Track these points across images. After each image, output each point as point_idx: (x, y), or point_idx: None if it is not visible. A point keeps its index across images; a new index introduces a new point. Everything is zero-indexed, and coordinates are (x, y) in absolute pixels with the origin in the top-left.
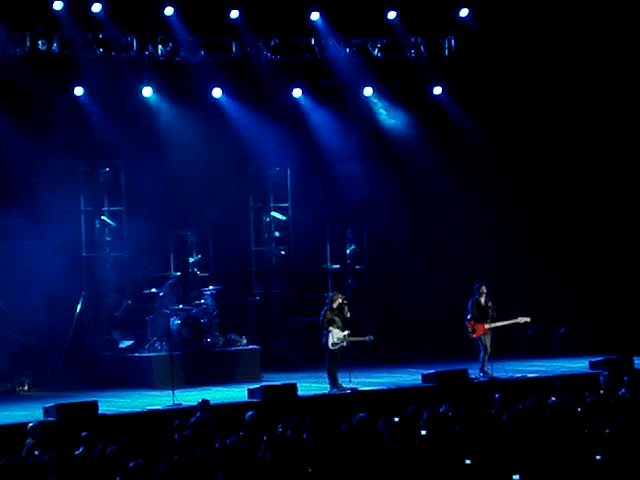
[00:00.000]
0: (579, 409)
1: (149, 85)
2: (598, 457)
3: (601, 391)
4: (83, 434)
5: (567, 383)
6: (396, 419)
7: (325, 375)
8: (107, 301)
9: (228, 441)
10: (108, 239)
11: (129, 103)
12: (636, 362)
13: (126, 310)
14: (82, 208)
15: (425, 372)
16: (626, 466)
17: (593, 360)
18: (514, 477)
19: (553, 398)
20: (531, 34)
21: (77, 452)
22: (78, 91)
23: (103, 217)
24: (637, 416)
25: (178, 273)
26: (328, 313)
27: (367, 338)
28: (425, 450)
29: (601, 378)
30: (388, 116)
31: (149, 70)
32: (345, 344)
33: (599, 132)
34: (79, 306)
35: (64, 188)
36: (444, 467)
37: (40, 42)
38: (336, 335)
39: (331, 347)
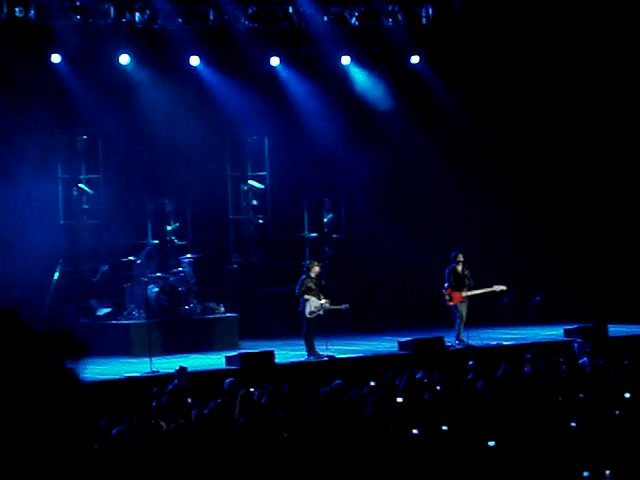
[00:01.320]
0: (553, 376)
1: (127, 52)
2: (573, 424)
3: (573, 357)
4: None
5: (541, 351)
6: (372, 383)
7: (302, 343)
8: (85, 269)
9: (206, 410)
10: (85, 207)
11: (106, 70)
12: (610, 330)
13: (103, 277)
14: (59, 176)
15: (402, 340)
16: (600, 432)
17: (568, 328)
18: (490, 443)
19: (528, 366)
20: (509, 1)
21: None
22: (55, 58)
23: (80, 185)
24: (610, 383)
25: (156, 241)
26: (306, 282)
27: (343, 307)
28: (401, 417)
29: (575, 345)
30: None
31: (127, 37)
32: (322, 312)
33: (577, 102)
34: (57, 274)
35: (41, 156)
36: (420, 434)
37: (17, 9)
38: (313, 304)
39: (308, 315)
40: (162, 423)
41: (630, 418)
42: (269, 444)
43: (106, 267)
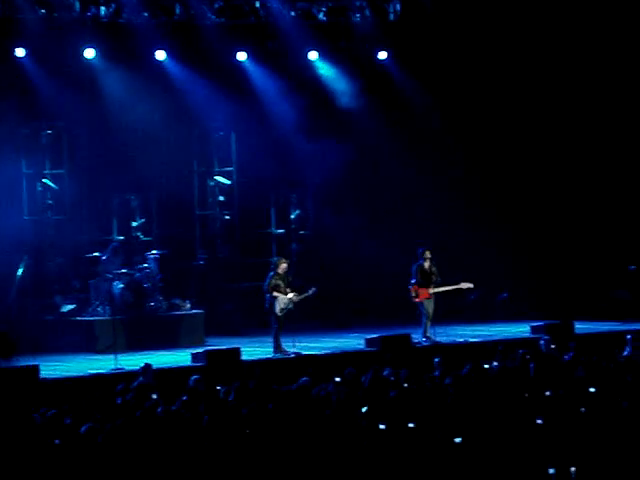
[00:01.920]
0: (519, 373)
1: (92, 46)
2: (539, 421)
3: (540, 354)
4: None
5: (508, 348)
6: (337, 379)
7: (269, 339)
8: (49, 265)
9: (173, 407)
10: (50, 202)
11: (71, 65)
12: (576, 327)
13: (67, 272)
14: (24, 171)
15: (369, 336)
16: (566, 429)
17: (534, 325)
18: (456, 440)
19: (495, 363)
20: None
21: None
22: (20, 52)
23: (45, 180)
24: (577, 379)
25: (121, 237)
26: (273, 278)
27: (310, 292)
28: (367, 414)
29: (541, 342)
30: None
31: (92, 31)
32: (292, 307)
33: (544, 97)
34: (20, 270)
35: (5, 151)
36: (386, 431)
37: None
38: (282, 301)
39: (279, 313)
40: None
41: (596, 415)
42: (234, 441)
43: (61, 260)
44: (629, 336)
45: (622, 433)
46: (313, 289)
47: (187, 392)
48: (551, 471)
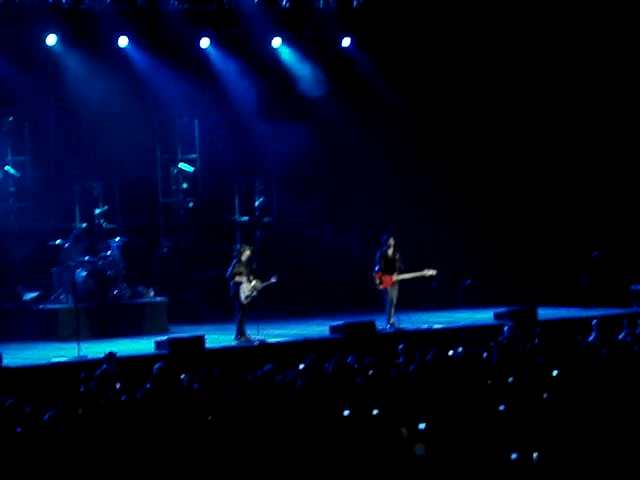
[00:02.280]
0: (483, 360)
1: (53, 33)
2: (501, 407)
3: (503, 340)
4: None
5: (472, 334)
6: (301, 366)
7: (233, 327)
8: (11, 252)
9: (137, 395)
10: (12, 190)
11: (33, 51)
12: (540, 313)
13: (29, 260)
14: None
15: (333, 324)
16: (528, 415)
17: (498, 311)
18: (420, 426)
19: (461, 349)
20: None
21: None
22: None
23: (6, 167)
24: (538, 365)
25: (84, 224)
26: (237, 266)
27: (272, 279)
28: (331, 400)
29: (505, 329)
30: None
31: (53, 17)
32: (256, 294)
33: (511, 81)
34: None
35: None
36: (350, 417)
37: None
38: (246, 288)
39: (244, 301)
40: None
41: (558, 400)
42: (198, 429)
43: (25, 248)
44: (594, 321)
45: (584, 419)
46: (275, 276)
47: (151, 380)
48: (513, 456)
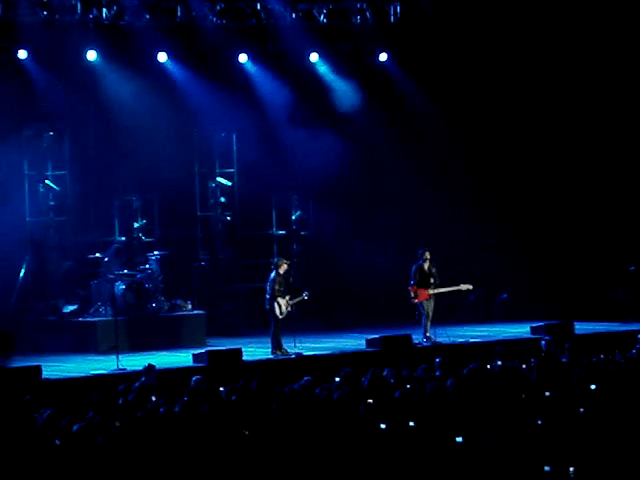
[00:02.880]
0: (521, 374)
1: (94, 49)
2: (539, 421)
3: (542, 355)
4: (26, 398)
5: (509, 348)
6: (337, 379)
7: (270, 340)
8: (51, 266)
9: (175, 408)
10: (52, 203)
11: (73, 67)
12: (576, 327)
13: (69, 273)
14: (26, 172)
15: (369, 337)
16: (566, 429)
17: (534, 325)
18: (457, 439)
19: (499, 363)
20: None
21: (19, 417)
22: (22, 54)
23: (47, 181)
24: (576, 380)
25: (123, 238)
26: (276, 283)
27: (304, 295)
28: (368, 414)
29: (542, 343)
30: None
31: (94, 33)
32: (291, 309)
33: (545, 100)
34: (22, 271)
35: (8, 152)
36: (387, 430)
37: None
38: (283, 304)
39: (280, 316)
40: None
41: (595, 415)
42: (236, 442)
43: (69, 263)
44: None
45: (621, 433)
46: (306, 292)
47: (188, 393)
48: (547, 468)
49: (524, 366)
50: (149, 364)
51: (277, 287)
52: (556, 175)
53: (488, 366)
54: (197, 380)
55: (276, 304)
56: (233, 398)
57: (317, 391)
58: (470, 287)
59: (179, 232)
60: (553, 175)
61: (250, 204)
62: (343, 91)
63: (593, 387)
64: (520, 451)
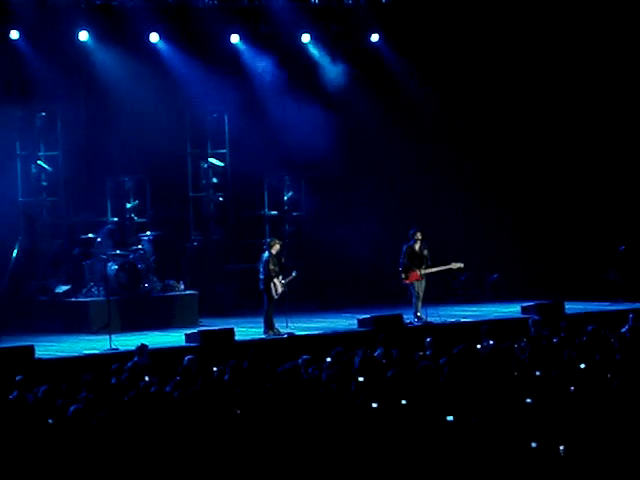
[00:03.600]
0: (510, 353)
1: (85, 29)
2: (528, 400)
3: (530, 334)
4: (18, 378)
5: (498, 328)
6: (328, 359)
7: (262, 320)
8: (43, 246)
9: (167, 387)
10: (44, 184)
11: (66, 47)
12: (567, 307)
13: (59, 252)
14: (18, 153)
15: (361, 317)
16: (555, 409)
17: (525, 305)
18: (448, 418)
19: (489, 342)
20: None
21: (11, 396)
22: (14, 35)
23: (39, 162)
24: (567, 359)
25: (115, 219)
26: (270, 263)
27: (293, 274)
28: (360, 392)
29: (530, 322)
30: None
31: (86, 14)
32: (285, 289)
33: (536, 76)
34: (15, 251)
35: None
36: (379, 408)
37: None
38: (278, 284)
39: (275, 296)
40: None
41: (585, 394)
42: (228, 421)
43: (60, 241)
44: (631, 315)
45: (611, 412)
46: (294, 271)
47: (181, 372)
48: (533, 445)
49: (516, 345)
50: (142, 344)
51: (272, 267)
52: (548, 155)
53: (478, 346)
54: (189, 360)
55: (272, 284)
56: (225, 377)
57: (309, 370)
58: (461, 265)
59: (171, 213)
60: (545, 156)
61: (242, 185)
62: (334, 71)
63: (582, 366)
64: (509, 429)
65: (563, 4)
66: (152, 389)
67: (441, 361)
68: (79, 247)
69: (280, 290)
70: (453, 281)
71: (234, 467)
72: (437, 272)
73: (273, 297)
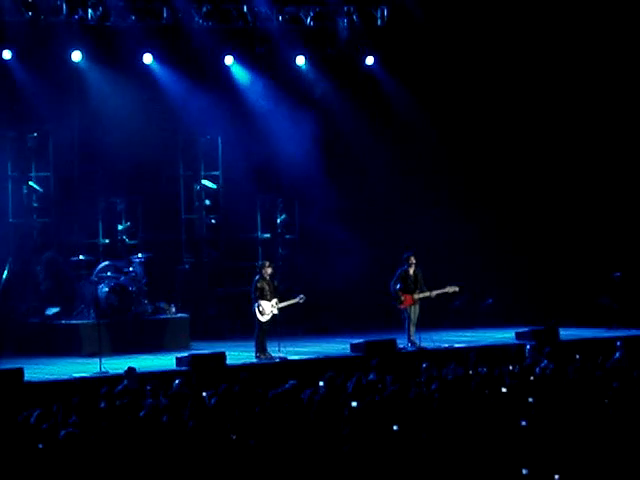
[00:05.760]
0: (504, 379)
1: (79, 49)
2: (523, 423)
3: (526, 360)
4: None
5: (492, 353)
6: (321, 383)
7: (254, 344)
8: (34, 268)
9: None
10: (35, 205)
11: (58, 67)
12: (561, 333)
13: (50, 275)
14: (9, 174)
15: (354, 342)
16: (550, 435)
17: (519, 331)
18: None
19: (482, 369)
20: (462, 3)
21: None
22: (6, 55)
23: (30, 183)
24: (560, 385)
25: (106, 240)
26: (259, 283)
27: (298, 299)
28: (352, 418)
29: (527, 348)
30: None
31: (79, 34)
32: (276, 311)
33: (530, 98)
34: (5, 272)
35: None
36: (371, 434)
37: None
38: (264, 306)
39: (262, 319)
40: None
41: (582, 421)
42: (218, 445)
43: (50, 253)
44: (619, 342)
45: (608, 440)
46: (302, 296)
47: (171, 396)
48: (524, 472)
49: (508, 372)
50: (129, 367)
51: (259, 290)
52: (543, 180)
53: (473, 371)
54: (179, 384)
55: (257, 307)
56: (213, 401)
57: (301, 395)
58: (457, 289)
59: (163, 235)
60: (540, 180)
61: (235, 207)
62: (321, 87)
63: (578, 392)
64: (503, 455)
65: (555, 21)
66: (141, 413)
67: (433, 387)
68: (70, 269)
69: (269, 312)
70: (447, 306)
71: None
72: (433, 296)
73: (261, 320)
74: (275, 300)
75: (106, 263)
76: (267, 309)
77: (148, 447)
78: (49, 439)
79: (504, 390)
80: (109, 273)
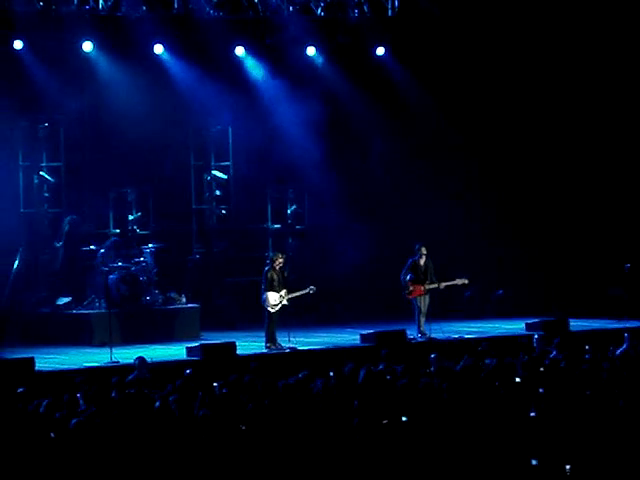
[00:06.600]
0: (513, 370)
1: (90, 40)
2: (532, 414)
3: (535, 351)
4: (19, 390)
5: (501, 344)
6: (331, 373)
7: (264, 334)
8: (45, 258)
9: (170, 398)
10: (46, 195)
11: (69, 58)
12: (571, 324)
13: (61, 265)
14: (20, 163)
15: (364, 332)
16: (559, 427)
17: (529, 322)
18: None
19: (493, 360)
20: None
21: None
22: (17, 45)
23: (42, 173)
24: (568, 376)
25: (117, 230)
26: (269, 274)
27: (309, 289)
28: (361, 409)
29: (535, 338)
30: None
31: (90, 24)
32: (286, 302)
33: (541, 90)
34: (16, 262)
35: (2, 143)
36: (380, 425)
37: None
38: (272, 297)
39: (271, 310)
40: None
41: (592, 412)
42: (228, 435)
43: (59, 243)
44: (627, 334)
45: (618, 430)
46: (312, 288)
47: (181, 386)
48: (534, 462)
49: (517, 363)
50: (140, 356)
51: (269, 281)
52: (554, 171)
53: (482, 362)
54: (189, 374)
55: (266, 297)
56: (223, 391)
57: (311, 386)
58: (466, 281)
59: (174, 225)
60: (551, 171)
61: (245, 198)
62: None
63: (588, 383)
64: (511, 446)
65: (562, 16)
66: (154, 403)
67: (442, 378)
68: (80, 259)
69: (278, 302)
70: (457, 297)
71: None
72: (442, 288)
73: (270, 311)
74: (284, 291)
75: (112, 239)
76: (275, 300)
77: (158, 437)
78: (60, 428)
79: (516, 380)
80: (120, 263)
